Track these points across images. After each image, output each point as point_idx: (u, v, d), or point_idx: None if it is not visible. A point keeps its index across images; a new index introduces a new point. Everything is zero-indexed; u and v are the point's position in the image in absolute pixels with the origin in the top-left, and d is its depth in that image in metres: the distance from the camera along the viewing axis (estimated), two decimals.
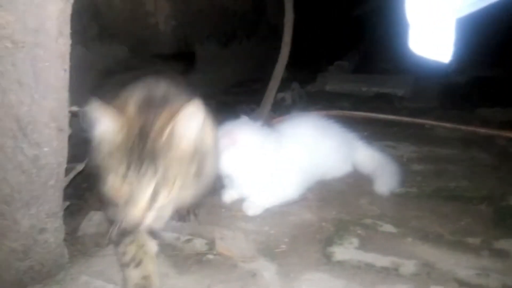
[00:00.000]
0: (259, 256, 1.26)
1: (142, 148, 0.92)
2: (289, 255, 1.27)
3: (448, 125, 2.46)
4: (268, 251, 1.29)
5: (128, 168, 0.91)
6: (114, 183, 0.93)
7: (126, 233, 1.09)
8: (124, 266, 1.08)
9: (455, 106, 2.96)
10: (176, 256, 1.28)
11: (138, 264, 1.06)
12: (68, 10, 0.82)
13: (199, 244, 1.34)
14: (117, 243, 1.12)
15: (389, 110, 2.94)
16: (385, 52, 5.27)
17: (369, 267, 1.20)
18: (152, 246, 1.16)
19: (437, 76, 3.96)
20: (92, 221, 1.51)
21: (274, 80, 2.50)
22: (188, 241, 1.35)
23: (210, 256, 1.27)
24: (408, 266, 1.19)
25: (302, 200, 1.60)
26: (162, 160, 0.93)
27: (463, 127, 2.39)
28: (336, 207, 1.54)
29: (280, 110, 2.80)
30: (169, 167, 0.94)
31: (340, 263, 1.22)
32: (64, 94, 0.91)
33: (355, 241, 1.32)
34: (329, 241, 1.32)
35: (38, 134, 0.91)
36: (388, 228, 1.39)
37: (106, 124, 0.95)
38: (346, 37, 5.45)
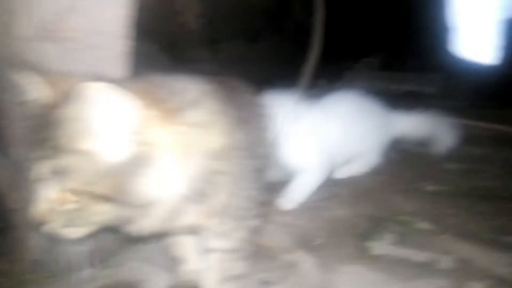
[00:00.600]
0: (297, 248, 1.31)
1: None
2: (326, 248, 1.31)
3: (481, 124, 2.45)
4: (305, 244, 1.34)
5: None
6: None
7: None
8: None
9: (486, 105, 2.93)
10: None
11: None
12: (131, 14, 0.88)
13: None
14: None
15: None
16: (413, 49, 5.22)
17: (406, 262, 1.23)
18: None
19: (467, 74, 3.93)
20: None
21: (304, 78, 2.53)
22: None
23: (251, 248, 1.32)
24: (445, 262, 1.22)
25: (335, 197, 1.64)
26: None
27: (495, 126, 2.37)
28: (370, 204, 1.57)
29: None
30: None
31: (377, 258, 1.25)
32: None
33: (391, 236, 1.35)
34: (364, 236, 1.36)
35: None
36: (424, 225, 1.42)
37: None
38: (373, 33, 5.42)
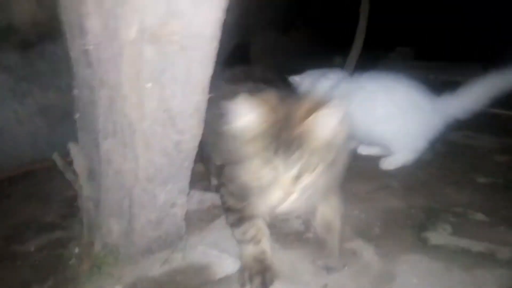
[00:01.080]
0: (356, 237, 1.36)
1: (288, 135, 1.00)
2: (384, 237, 1.35)
3: None
4: (363, 233, 1.38)
5: (275, 153, 1.00)
6: (256, 167, 1.03)
7: (246, 218, 1.22)
8: (243, 242, 1.22)
9: None
10: (276, 233, 1.39)
11: (258, 243, 1.20)
12: (222, 17, 0.93)
13: (296, 223, 1.45)
14: (236, 225, 1.24)
15: None
16: (449, 38, 5.12)
17: (465, 252, 1.26)
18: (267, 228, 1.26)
19: (505, 63, 3.84)
20: (194, 199, 1.66)
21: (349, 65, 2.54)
22: (285, 221, 1.47)
23: (309, 235, 1.38)
24: (504, 252, 1.25)
25: (387, 188, 1.67)
26: (307, 147, 1.01)
27: None
28: (423, 195, 1.60)
29: None
30: (312, 154, 1.02)
31: (436, 247, 1.29)
32: (207, 88, 1.04)
33: (448, 227, 1.38)
34: (422, 227, 1.39)
35: (183, 122, 1.05)
36: (479, 216, 1.44)
37: (252, 114, 1.02)
38: (405, 22, 5.33)
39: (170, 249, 1.31)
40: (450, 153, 1.98)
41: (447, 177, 1.73)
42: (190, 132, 1.09)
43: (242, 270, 1.18)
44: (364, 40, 3.03)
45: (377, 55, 4.28)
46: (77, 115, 1.33)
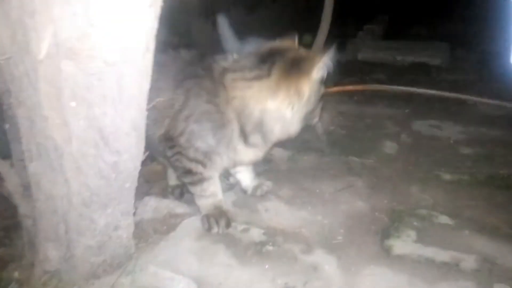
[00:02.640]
0: (317, 248, 1.29)
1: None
2: (347, 247, 1.29)
3: (491, 101, 2.40)
4: (326, 242, 1.31)
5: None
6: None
7: (206, 178, 1.38)
8: (203, 197, 1.42)
9: (494, 78, 2.86)
10: (235, 246, 1.31)
11: (216, 195, 1.42)
12: (155, 26, 0.80)
13: (256, 234, 1.37)
14: (196, 184, 1.39)
15: (428, 82, 2.88)
16: (417, 16, 5.08)
17: (430, 262, 1.21)
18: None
19: (472, 43, 3.84)
20: (148, 206, 1.55)
21: None
22: (245, 230, 1.39)
23: (270, 247, 1.30)
24: (469, 262, 1.21)
25: (352, 187, 1.61)
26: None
27: (508, 105, 2.32)
28: (387, 195, 1.55)
29: None
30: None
31: (400, 258, 1.24)
32: (145, 103, 0.91)
33: (412, 233, 1.33)
34: (385, 233, 1.34)
35: (119, 142, 0.92)
36: (444, 219, 1.40)
37: None
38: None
39: (118, 272, 1.20)
40: (415, 145, 1.94)
41: (412, 174, 1.68)
42: (129, 152, 0.96)
43: (206, 217, 1.39)
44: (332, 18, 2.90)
45: (344, 33, 4.17)
46: (7, 126, 1.18)
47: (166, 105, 1.29)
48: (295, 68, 1.27)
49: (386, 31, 4.66)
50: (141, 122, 0.95)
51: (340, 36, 4.04)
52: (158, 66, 0.97)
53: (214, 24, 3.32)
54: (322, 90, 1.36)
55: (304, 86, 1.27)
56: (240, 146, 1.34)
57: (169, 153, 1.37)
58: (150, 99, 0.95)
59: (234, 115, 1.29)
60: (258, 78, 1.27)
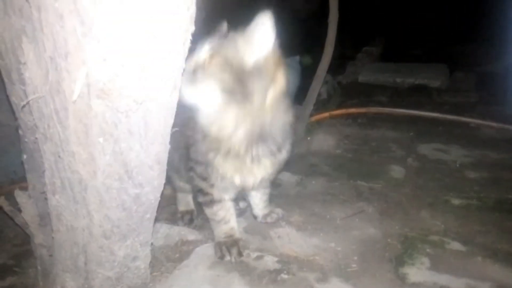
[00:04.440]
0: (333, 276, 1.29)
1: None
2: (362, 275, 1.29)
3: (495, 124, 2.43)
4: (340, 270, 1.32)
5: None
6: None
7: (216, 201, 1.39)
8: (214, 221, 1.43)
9: (494, 100, 2.91)
10: (249, 274, 1.31)
11: (227, 222, 1.43)
12: (183, 66, 0.82)
13: (270, 261, 1.37)
14: (208, 206, 1.41)
15: (429, 105, 2.93)
16: (414, 37, 5.18)
17: None
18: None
19: (470, 64, 3.90)
20: (160, 233, 1.55)
21: (317, 80, 2.47)
22: (259, 258, 1.39)
23: (284, 276, 1.30)
24: None
25: (362, 213, 1.62)
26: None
27: (510, 128, 2.36)
28: (398, 221, 1.56)
29: (317, 105, 2.78)
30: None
31: (416, 286, 1.24)
32: (168, 137, 0.93)
33: (426, 260, 1.34)
34: (399, 261, 1.34)
35: (142, 176, 0.94)
36: (456, 245, 1.41)
37: None
38: (371, 22, 5.34)
39: None
40: (422, 169, 1.95)
41: (421, 199, 1.69)
42: (151, 184, 0.98)
43: (218, 244, 1.40)
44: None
45: (342, 55, 4.23)
46: (24, 157, 1.19)
47: (188, 117, 1.24)
48: None
49: (383, 53, 4.74)
50: (164, 156, 0.96)
51: (339, 57, 4.10)
52: None
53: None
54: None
55: None
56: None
57: (187, 168, 1.39)
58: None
59: None
60: None
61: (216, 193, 1.37)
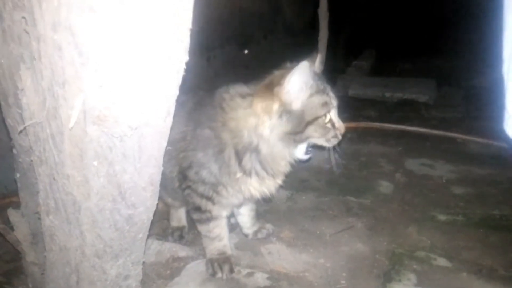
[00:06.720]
0: None
1: None
2: None
3: (480, 140, 2.49)
4: (329, 287, 1.34)
5: None
6: None
7: (213, 218, 1.41)
8: (208, 238, 1.45)
9: (481, 115, 2.97)
10: None
11: (221, 240, 1.45)
12: (177, 93, 0.85)
13: (261, 278, 1.39)
14: (203, 223, 1.43)
15: (417, 119, 2.98)
16: (403, 51, 5.27)
17: None
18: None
19: (458, 79, 3.99)
20: (151, 250, 1.56)
21: None
22: (250, 274, 1.41)
23: None
24: None
25: (351, 229, 1.65)
26: None
27: (495, 143, 2.41)
28: (386, 237, 1.59)
29: None
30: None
31: None
32: (162, 160, 0.96)
33: (413, 277, 1.37)
34: (387, 277, 1.37)
35: (135, 197, 0.96)
36: (442, 261, 1.44)
37: None
38: (360, 36, 5.44)
39: None
40: (410, 185, 2.00)
41: (408, 214, 1.73)
42: (144, 205, 1.00)
43: (210, 261, 1.42)
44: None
45: (332, 69, 4.30)
46: (17, 175, 1.21)
47: (179, 139, 1.33)
48: (270, 84, 1.26)
49: (373, 67, 4.83)
50: (158, 177, 0.99)
51: (330, 71, 4.16)
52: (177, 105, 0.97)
53: (208, 60, 3.42)
54: (324, 117, 1.31)
55: (274, 102, 1.22)
56: (239, 174, 1.31)
57: (182, 187, 1.40)
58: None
59: (230, 137, 1.28)
60: (247, 97, 1.29)
61: (215, 210, 1.40)
